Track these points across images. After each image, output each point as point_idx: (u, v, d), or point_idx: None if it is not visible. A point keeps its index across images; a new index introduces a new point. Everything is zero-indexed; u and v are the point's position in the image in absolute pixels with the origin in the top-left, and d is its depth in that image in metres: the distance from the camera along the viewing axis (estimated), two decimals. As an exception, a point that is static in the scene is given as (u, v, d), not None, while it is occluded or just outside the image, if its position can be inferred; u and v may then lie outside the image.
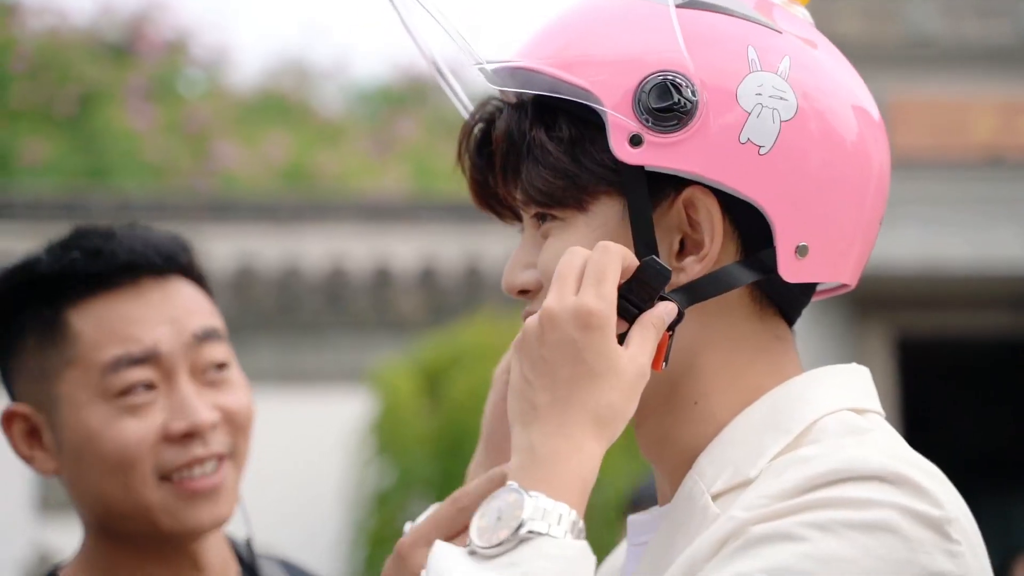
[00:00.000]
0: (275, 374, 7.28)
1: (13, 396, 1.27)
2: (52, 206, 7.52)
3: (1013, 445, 9.41)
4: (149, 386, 1.22)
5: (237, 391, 1.29)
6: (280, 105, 10.17)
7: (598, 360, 0.76)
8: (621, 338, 0.77)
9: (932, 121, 6.98)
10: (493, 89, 0.86)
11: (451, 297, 8.15)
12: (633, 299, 0.79)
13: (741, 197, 0.80)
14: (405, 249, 8.21)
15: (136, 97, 9.44)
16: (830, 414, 0.81)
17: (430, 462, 6.82)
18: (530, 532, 0.72)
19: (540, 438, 0.76)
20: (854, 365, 0.88)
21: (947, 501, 0.74)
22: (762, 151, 0.80)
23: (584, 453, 0.76)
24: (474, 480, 0.91)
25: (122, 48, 9.89)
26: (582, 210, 0.83)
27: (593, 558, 0.75)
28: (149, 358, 1.22)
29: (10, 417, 1.25)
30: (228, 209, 8.07)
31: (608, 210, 0.83)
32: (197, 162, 9.14)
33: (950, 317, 8.07)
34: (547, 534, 0.72)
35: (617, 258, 0.77)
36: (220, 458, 1.25)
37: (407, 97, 10.76)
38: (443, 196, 8.38)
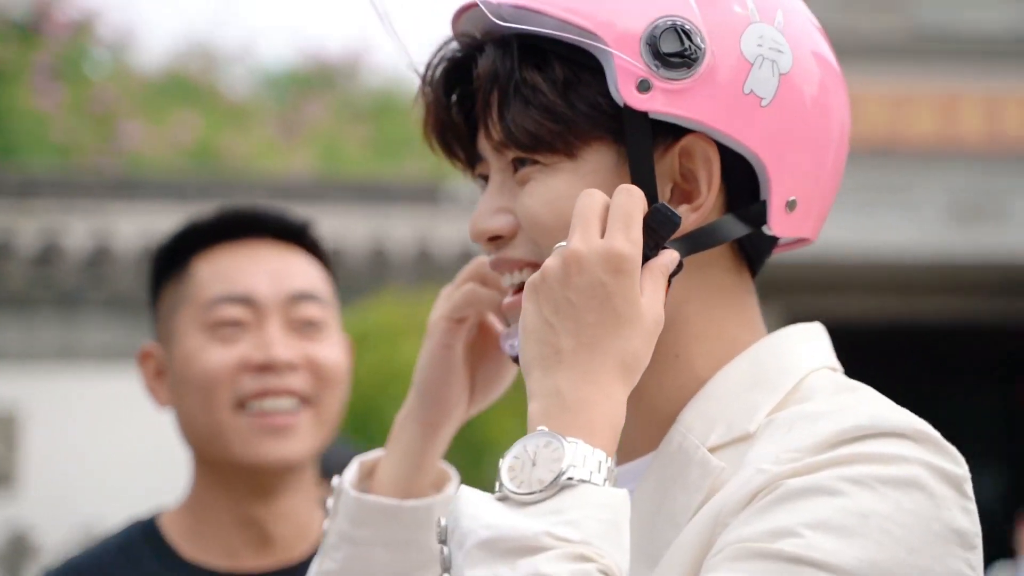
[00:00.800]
0: None
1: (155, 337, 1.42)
2: None
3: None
4: (239, 323, 1.33)
5: (329, 348, 1.37)
6: (187, 86, 10.12)
7: (626, 306, 0.73)
8: None
9: None
10: (476, 27, 0.81)
11: (357, 277, 8.04)
12: (649, 245, 0.76)
13: (740, 149, 0.79)
14: (327, 225, 8.26)
15: (42, 76, 9.35)
16: (813, 372, 0.81)
17: (345, 425, 7.03)
18: (570, 479, 0.69)
19: (567, 384, 0.73)
20: (817, 324, 0.87)
21: (962, 459, 0.75)
22: (763, 103, 0.78)
23: (613, 400, 0.73)
24: (400, 428, 0.92)
25: (28, 27, 9.79)
26: (570, 156, 0.80)
27: (628, 498, 0.73)
28: (244, 300, 1.34)
29: (145, 355, 1.39)
30: (134, 188, 8.01)
31: (600, 156, 0.80)
32: (103, 142, 9.10)
33: (841, 301, 8.40)
34: (589, 481, 0.70)
35: (642, 202, 0.74)
36: (301, 401, 1.34)
37: (314, 80, 10.80)
38: (349, 178, 8.46)
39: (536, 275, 0.74)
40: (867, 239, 7.70)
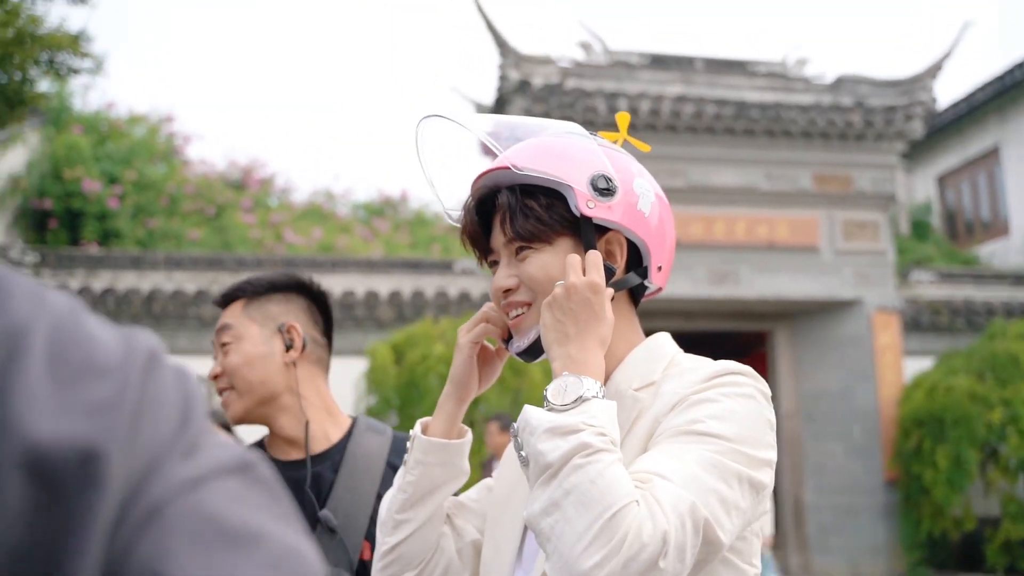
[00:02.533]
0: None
1: None
2: (202, 261, 10.41)
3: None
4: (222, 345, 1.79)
5: (229, 355, 1.76)
6: (318, 212, 13.55)
7: (601, 310, 1.11)
8: None
9: None
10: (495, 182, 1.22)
11: (405, 312, 10.18)
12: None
13: (635, 239, 1.20)
14: (383, 285, 10.59)
15: (245, 207, 13.13)
16: (676, 353, 1.23)
17: (396, 396, 8.49)
18: (586, 397, 1.04)
19: (575, 351, 1.10)
20: (666, 333, 1.27)
21: (767, 385, 1.14)
22: (646, 215, 1.20)
23: (598, 359, 1.10)
24: (442, 402, 1.32)
25: (238, 182, 13.83)
26: (549, 243, 1.19)
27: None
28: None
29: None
30: (292, 265, 10.65)
31: (565, 242, 1.19)
32: (277, 241, 12.46)
33: (655, 322, 10.92)
34: (596, 396, 1.05)
35: (600, 258, 1.13)
36: (227, 390, 1.77)
37: (382, 207, 14.17)
38: (401, 259, 11.32)
39: (549, 297, 1.13)
40: (667, 290, 10.66)
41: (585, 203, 1.18)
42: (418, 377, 8.26)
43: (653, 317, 11.26)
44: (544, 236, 1.20)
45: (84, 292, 10.01)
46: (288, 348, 1.80)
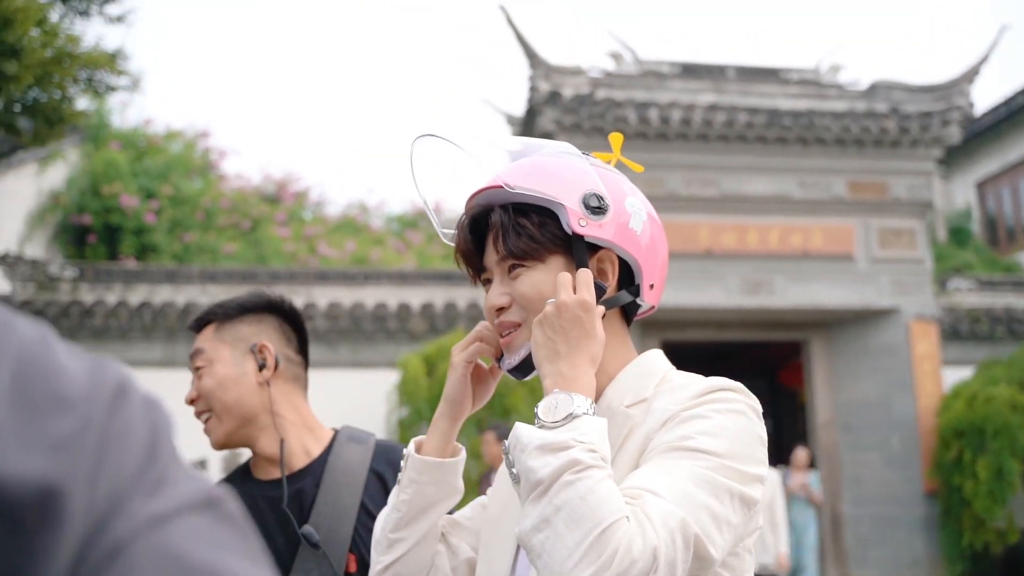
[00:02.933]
0: (350, 363, 10.02)
1: None
2: (236, 275, 10.56)
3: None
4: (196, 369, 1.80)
5: (204, 378, 1.77)
6: (352, 224, 13.75)
7: (591, 328, 1.12)
8: None
9: (677, 234, 10.23)
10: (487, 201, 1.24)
11: (439, 323, 10.29)
12: None
13: (626, 257, 1.21)
14: (416, 297, 10.72)
15: (280, 220, 13.35)
16: (668, 369, 1.23)
17: (428, 408, 8.48)
18: (575, 414, 1.05)
19: (566, 368, 1.11)
20: (658, 350, 1.28)
21: (758, 402, 1.15)
22: (637, 234, 1.21)
23: (589, 376, 1.11)
24: (436, 420, 1.32)
25: (273, 196, 14.12)
26: (542, 261, 1.20)
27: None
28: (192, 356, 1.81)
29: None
30: (325, 277, 10.82)
31: (557, 261, 1.20)
32: (311, 254, 12.60)
33: (687, 332, 11.13)
34: (586, 414, 1.06)
35: (591, 277, 1.16)
36: (206, 414, 1.78)
37: (416, 221, 14.25)
38: (433, 270, 11.30)
39: (541, 315, 1.14)
40: (700, 300, 10.23)
41: (577, 221, 1.19)
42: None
43: (686, 328, 11.24)
44: (536, 254, 1.21)
45: (121, 306, 10.18)
46: (261, 368, 1.81)
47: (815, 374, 11.29)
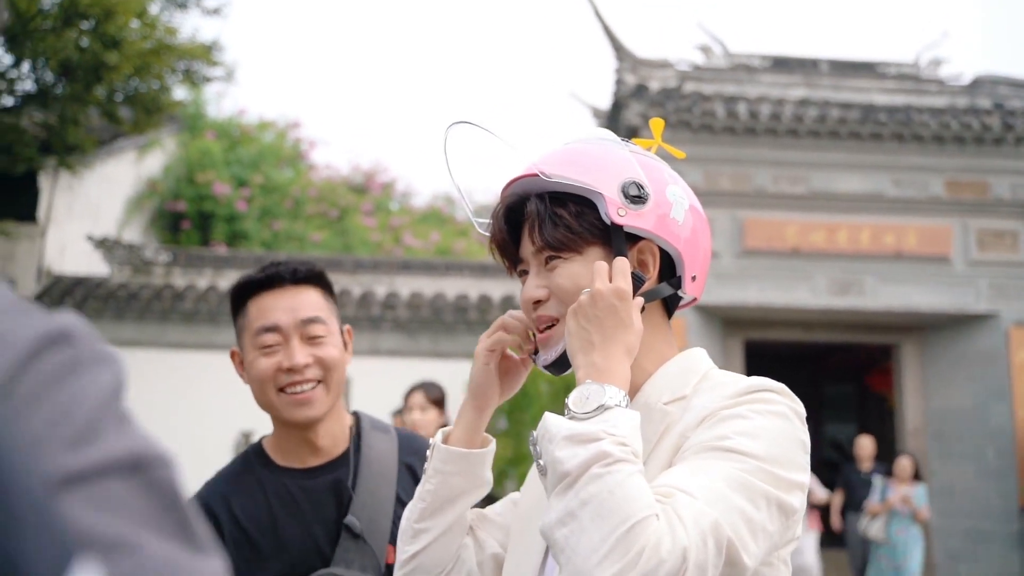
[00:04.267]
0: (429, 352, 10.17)
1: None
2: (323, 262, 9.59)
3: (808, 404, 13.64)
4: (273, 343, 1.70)
5: (328, 348, 1.72)
6: (437, 215, 14.37)
7: (627, 318, 1.10)
8: None
9: (764, 232, 10.38)
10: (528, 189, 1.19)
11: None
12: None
13: (667, 247, 1.18)
14: (496, 289, 10.90)
15: (367, 211, 13.97)
16: (711, 368, 1.20)
17: (506, 401, 10.26)
18: (606, 405, 1.02)
19: (599, 359, 1.08)
20: (701, 348, 1.25)
21: (801, 404, 1.12)
22: (679, 224, 1.19)
23: (624, 367, 1.09)
24: (462, 410, 1.29)
25: (360, 186, 14.75)
26: (579, 252, 1.17)
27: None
28: (273, 328, 1.71)
29: (233, 354, 1.79)
30: (408, 267, 11.16)
31: (595, 252, 1.17)
32: (396, 244, 13.07)
33: (771, 332, 10.96)
34: (619, 405, 1.03)
35: (628, 265, 1.13)
36: (315, 383, 1.71)
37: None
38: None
39: (575, 304, 1.12)
40: (785, 299, 10.13)
41: (615, 211, 1.16)
42: (527, 382, 8.27)
43: (770, 327, 11.05)
44: (574, 245, 1.18)
45: (211, 291, 10.50)
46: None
47: (906, 379, 11.01)
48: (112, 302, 10.20)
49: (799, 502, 1.06)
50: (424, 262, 11.18)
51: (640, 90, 10.33)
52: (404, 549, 1.31)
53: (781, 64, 11.37)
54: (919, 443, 10.71)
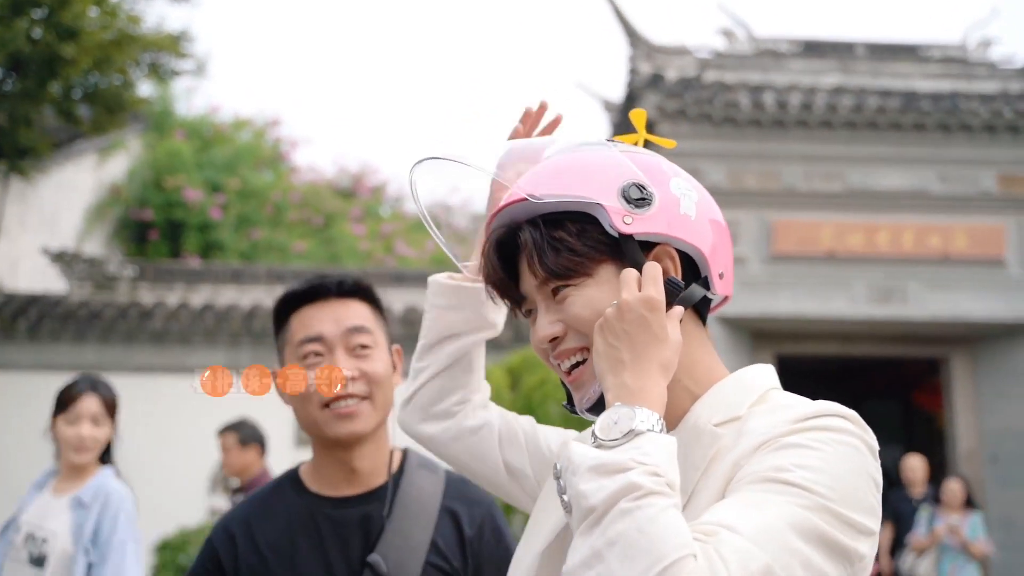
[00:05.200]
0: None
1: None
2: (306, 275, 11.86)
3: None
4: (318, 354, 1.76)
5: (375, 362, 1.77)
6: (434, 222, 14.88)
7: (660, 330, 1.07)
8: None
9: (796, 234, 10.35)
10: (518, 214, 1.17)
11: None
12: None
13: (684, 247, 1.16)
14: None
15: (355, 216, 13.54)
16: (772, 388, 1.16)
17: None
18: (637, 430, 1.00)
19: (631, 379, 1.06)
20: (768, 365, 1.22)
21: (874, 435, 1.07)
22: (692, 218, 1.17)
23: (659, 387, 1.06)
24: (478, 241, 1.38)
25: (348, 190, 14.22)
26: (590, 275, 1.14)
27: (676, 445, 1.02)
28: (317, 339, 1.77)
29: (274, 374, 1.72)
30: (402, 278, 11.06)
31: (606, 270, 1.15)
32: (387, 253, 13.08)
33: (805, 346, 11.06)
34: (651, 430, 1.00)
35: (660, 271, 1.10)
36: (360, 398, 1.75)
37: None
38: None
39: (601, 319, 1.09)
40: (819, 310, 10.06)
41: (620, 219, 1.14)
42: (535, 404, 8.23)
43: (804, 340, 10.94)
44: (581, 268, 1.15)
45: (183, 308, 10.38)
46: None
47: (956, 396, 10.91)
48: (71, 322, 10.08)
49: (867, 549, 1.01)
50: (419, 273, 11.11)
51: (656, 80, 10.22)
52: (405, 392, 1.45)
53: (812, 48, 11.28)
54: (973, 467, 10.57)
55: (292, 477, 1.86)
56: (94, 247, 12.14)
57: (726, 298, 1.24)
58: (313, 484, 1.82)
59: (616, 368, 1.07)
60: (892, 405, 13.48)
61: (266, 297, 10.57)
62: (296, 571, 1.71)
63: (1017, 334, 10.54)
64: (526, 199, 1.16)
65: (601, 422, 1.03)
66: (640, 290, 1.09)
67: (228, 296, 10.67)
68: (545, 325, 1.16)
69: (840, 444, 1.03)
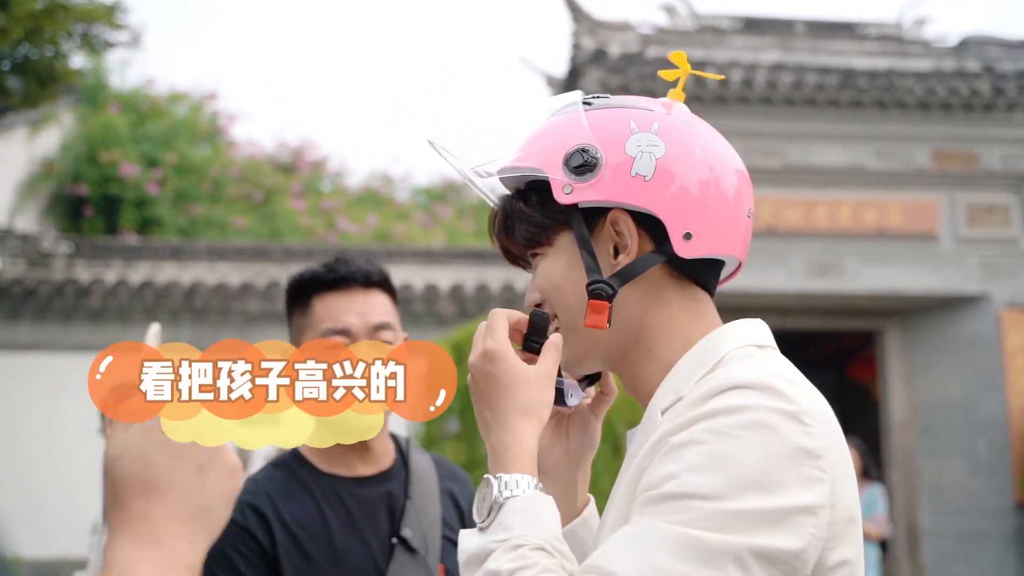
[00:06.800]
0: None
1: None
2: (247, 251, 10.63)
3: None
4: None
5: None
6: (375, 197, 14.15)
7: (505, 376, 1.06)
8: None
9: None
10: (489, 179, 1.17)
11: (469, 304, 10.47)
12: (535, 339, 1.11)
13: (640, 210, 1.09)
14: (444, 278, 10.81)
15: (295, 192, 13.42)
16: (737, 348, 1.07)
17: (457, 401, 8.22)
18: (497, 502, 1.00)
19: (493, 439, 1.06)
20: (757, 319, 1.14)
21: (800, 398, 0.98)
22: (647, 179, 1.09)
23: (521, 435, 1.04)
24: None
25: (288, 165, 14.06)
26: (551, 244, 1.14)
27: (551, 499, 1.02)
28: (343, 331, 1.76)
29: None
30: (344, 253, 11.76)
31: (565, 240, 1.13)
32: (328, 229, 12.95)
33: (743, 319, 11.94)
34: (512, 496, 1.00)
35: (502, 316, 1.10)
36: None
37: (445, 193, 14.80)
38: (462, 248, 11.82)
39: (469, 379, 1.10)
40: (761, 283, 9.91)
41: (561, 189, 1.12)
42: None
43: (744, 314, 10.14)
44: (543, 238, 1.16)
45: (121, 285, 10.20)
46: None
47: (890, 368, 11.10)
48: (5, 300, 9.88)
49: (792, 537, 0.92)
50: (361, 249, 11.02)
51: (599, 55, 10.25)
52: None
53: (753, 25, 11.35)
54: (907, 438, 10.80)
55: (297, 457, 1.86)
56: (27, 223, 11.85)
57: (740, 265, 1.18)
58: (324, 465, 1.84)
59: (484, 431, 1.09)
60: (827, 377, 13.57)
61: (207, 274, 10.42)
62: (333, 550, 1.74)
63: (948, 307, 10.76)
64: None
65: (476, 502, 1.05)
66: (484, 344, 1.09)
67: (168, 273, 10.51)
68: (529, 291, 1.19)
69: (739, 427, 0.96)
